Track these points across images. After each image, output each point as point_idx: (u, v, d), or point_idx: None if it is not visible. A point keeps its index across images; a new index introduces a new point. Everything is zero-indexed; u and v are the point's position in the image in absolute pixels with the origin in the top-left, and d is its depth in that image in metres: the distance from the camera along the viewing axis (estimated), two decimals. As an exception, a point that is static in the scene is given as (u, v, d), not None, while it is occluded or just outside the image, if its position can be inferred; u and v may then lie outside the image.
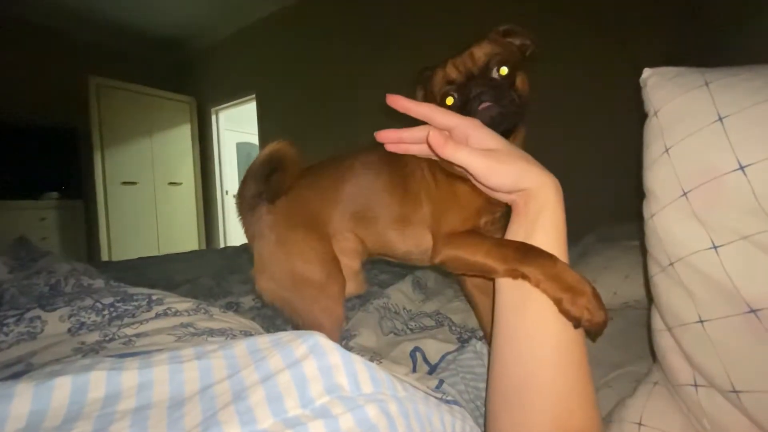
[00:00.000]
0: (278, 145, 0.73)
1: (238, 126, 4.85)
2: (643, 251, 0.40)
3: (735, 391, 0.31)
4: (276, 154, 0.73)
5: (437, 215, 0.67)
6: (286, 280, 0.73)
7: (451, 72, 0.59)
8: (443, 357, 0.69)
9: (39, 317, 0.51)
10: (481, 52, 0.59)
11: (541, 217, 0.38)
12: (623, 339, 0.72)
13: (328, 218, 0.77)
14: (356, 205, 0.77)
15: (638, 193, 0.41)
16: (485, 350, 0.67)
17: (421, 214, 0.72)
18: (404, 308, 0.94)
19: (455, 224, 0.62)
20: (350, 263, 0.80)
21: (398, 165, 0.74)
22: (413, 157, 0.56)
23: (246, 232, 0.79)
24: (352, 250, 0.79)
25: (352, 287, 0.81)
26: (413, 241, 0.74)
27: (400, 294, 0.98)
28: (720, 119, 0.32)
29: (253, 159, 0.75)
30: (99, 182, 3.60)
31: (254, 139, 4.19)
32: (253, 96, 3.94)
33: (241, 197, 0.77)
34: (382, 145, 0.54)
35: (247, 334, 0.50)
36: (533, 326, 0.37)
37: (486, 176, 0.39)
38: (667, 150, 0.36)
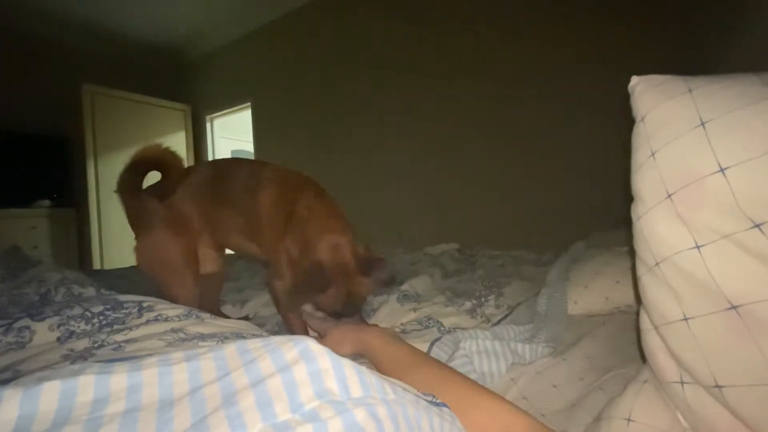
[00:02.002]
0: (154, 147, 1.00)
1: (233, 134, 4.86)
2: (632, 253, 0.41)
3: (718, 386, 0.32)
4: (150, 153, 0.99)
5: (276, 263, 0.91)
6: (156, 261, 0.99)
7: (338, 309, 0.83)
8: (432, 343, 0.73)
9: (28, 327, 0.50)
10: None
11: (377, 347, 0.62)
12: (615, 343, 0.72)
13: (193, 219, 1.02)
14: (214, 212, 1.01)
15: (628, 199, 0.42)
16: (474, 347, 0.68)
17: (262, 240, 0.95)
18: (392, 327, 0.94)
19: (285, 272, 0.89)
20: (210, 252, 1.08)
21: (259, 196, 0.93)
22: (278, 205, 0.90)
23: (127, 214, 1.04)
24: (210, 243, 1.07)
25: (210, 268, 1.10)
26: (252, 249, 1.01)
27: (388, 311, 0.99)
28: (702, 124, 0.33)
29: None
30: (92, 190, 3.57)
31: (249, 147, 4.20)
32: (249, 104, 3.95)
33: (120, 183, 0.99)
34: (254, 163, 1.00)
35: (240, 336, 0.50)
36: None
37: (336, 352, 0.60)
38: (653, 154, 0.37)
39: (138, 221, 1.02)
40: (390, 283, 0.90)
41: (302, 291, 0.78)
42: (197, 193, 1.02)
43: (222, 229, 1.03)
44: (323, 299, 0.81)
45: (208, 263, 1.09)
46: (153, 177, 1.03)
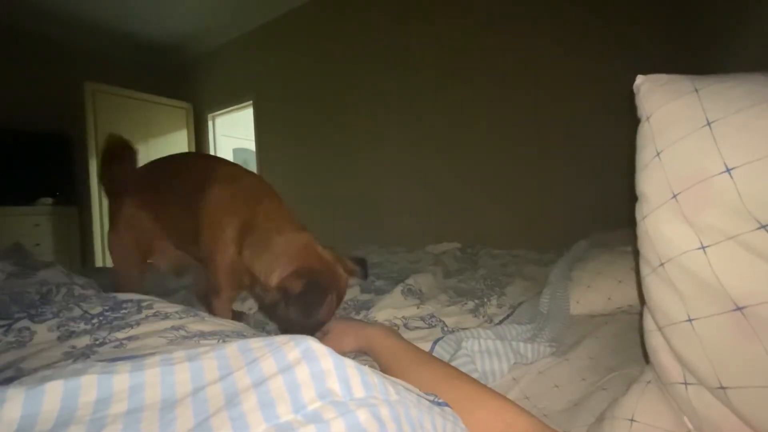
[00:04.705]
0: (108, 138, 1.11)
1: (234, 132, 4.85)
2: (635, 253, 0.41)
3: (722, 388, 0.31)
4: (106, 145, 1.10)
5: (216, 275, 0.85)
6: (114, 242, 1.04)
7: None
8: (435, 342, 0.73)
9: (27, 328, 0.50)
10: None
11: (379, 343, 0.62)
12: (617, 343, 0.72)
13: (146, 217, 1.00)
14: (165, 211, 0.99)
15: (631, 199, 0.41)
16: (476, 347, 0.68)
17: (203, 245, 0.88)
18: (393, 318, 0.94)
19: (223, 287, 0.86)
20: (165, 247, 1.05)
21: (206, 195, 0.87)
22: (215, 214, 0.84)
23: (110, 204, 1.08)
24: (163, 240, 1.04)
25: (166, 264, 1.10)
26: (196, 254, 0.95)
27: (390, 301, 0.99)
28: (708, 124, 0.33)
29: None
30: (94, 188, 3.58)
31: (251, 145, 4.20)
32: (250, 102, 3.95)
33: (99, 177, 1.12)
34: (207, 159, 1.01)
35: (240, 335, 0.50)
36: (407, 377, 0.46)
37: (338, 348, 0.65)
38: (658, 154, 0.37)
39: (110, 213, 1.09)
40: (363, 274, 0.89)
41: (304, 308, 0.72)
42: (150, 189, 1.00)
43: (173, 230, 0.98)
44: (320, 311, 0.75)
45: (167, 258, 1.09)
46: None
